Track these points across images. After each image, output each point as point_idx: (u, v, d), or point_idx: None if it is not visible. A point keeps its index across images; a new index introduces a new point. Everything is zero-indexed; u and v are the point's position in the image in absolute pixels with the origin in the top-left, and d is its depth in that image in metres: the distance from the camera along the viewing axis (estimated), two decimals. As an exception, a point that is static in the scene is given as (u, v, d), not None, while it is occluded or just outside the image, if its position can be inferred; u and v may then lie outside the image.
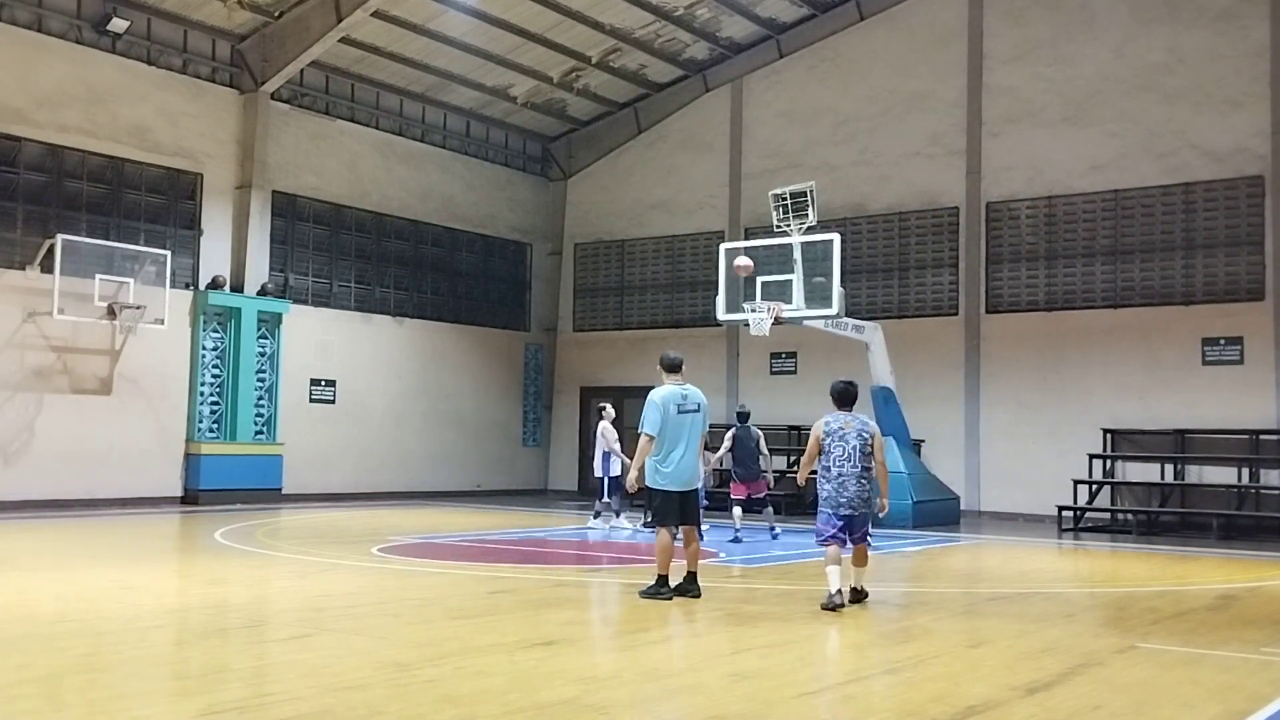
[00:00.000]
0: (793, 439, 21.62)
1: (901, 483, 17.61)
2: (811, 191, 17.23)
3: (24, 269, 17.63)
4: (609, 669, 6.50)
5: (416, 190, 23.66)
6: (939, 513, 18.22)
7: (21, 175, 17.86)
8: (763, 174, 22.82)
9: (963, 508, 19.69)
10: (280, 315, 20.69)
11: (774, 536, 14.91)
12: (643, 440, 9.18)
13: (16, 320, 17.55)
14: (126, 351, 18.75)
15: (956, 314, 21.23)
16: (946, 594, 10.34)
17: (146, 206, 19.37)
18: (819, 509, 9.18)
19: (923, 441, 20.21)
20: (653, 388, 9.45)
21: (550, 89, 24.08)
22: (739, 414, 15.77)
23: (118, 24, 18.41)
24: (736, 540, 14.49)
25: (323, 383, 21.74)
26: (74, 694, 5.64)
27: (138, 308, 18.31)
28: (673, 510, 9.25)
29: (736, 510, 15.04)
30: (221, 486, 19.34)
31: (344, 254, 22.56)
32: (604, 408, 16.68)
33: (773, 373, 22.89)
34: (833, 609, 8.53)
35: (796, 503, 19.60)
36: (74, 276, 17.51)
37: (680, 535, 9.36)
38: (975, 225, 21.12)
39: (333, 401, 21.89)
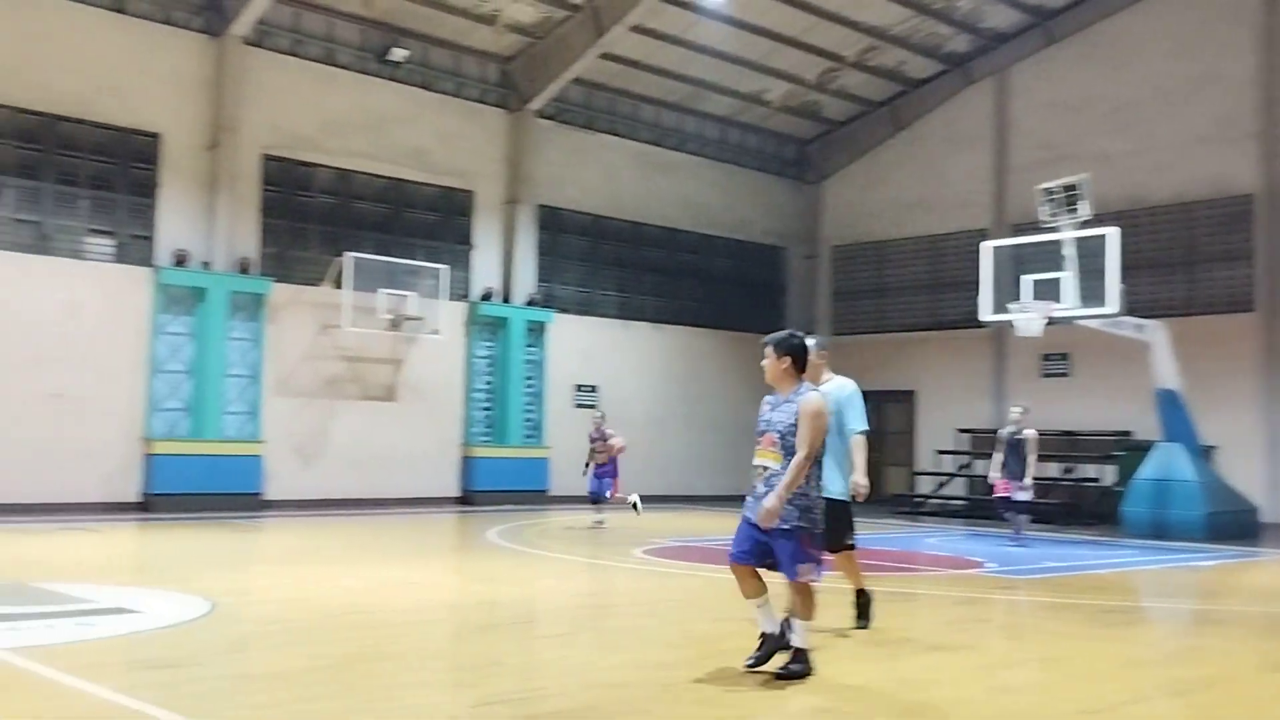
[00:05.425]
0: (1063, 445, 20.53)
1: (1192, 492, 16.49)
2: (1085, 183, 16.36)
3: (319, 285, 19.09)
4: (859, 680, 6.35)
5: (672, 198, 24.02)
6: (1234, 525, 16.86)
7: (317, 198, 19.36)
8: (1030, 167, 21.78)
9: (1263, 520, 18.10)
10: (545, 324, 21.51)
11: (1013, 543, 14.78)
12: (864, 439, 7.69)
13: (313, 333, 19.02)
14: (408, 361, 19.97)
15: (1252, 310, 19.56)
16: (1243, 612, 9.52)
17: (424, 224, 20.57)
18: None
19: (1215, 447, 18.72)
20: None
21: (805, 91, 23.89)
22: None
23: (398, 53, 19.65)
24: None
25: (586, 388, 22.41)
26: (361, 680, 6.01)
27: (418, 319, 19.44)
28: None
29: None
30: (493, 488, 20.26)
31: (604, 263, 23.19)
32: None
33: (1043, 375, 21.81)
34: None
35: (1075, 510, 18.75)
36: (361, 291, 18.78)
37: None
38: (1275, 213, 19.38)
39: (595, 407, 22.48)
